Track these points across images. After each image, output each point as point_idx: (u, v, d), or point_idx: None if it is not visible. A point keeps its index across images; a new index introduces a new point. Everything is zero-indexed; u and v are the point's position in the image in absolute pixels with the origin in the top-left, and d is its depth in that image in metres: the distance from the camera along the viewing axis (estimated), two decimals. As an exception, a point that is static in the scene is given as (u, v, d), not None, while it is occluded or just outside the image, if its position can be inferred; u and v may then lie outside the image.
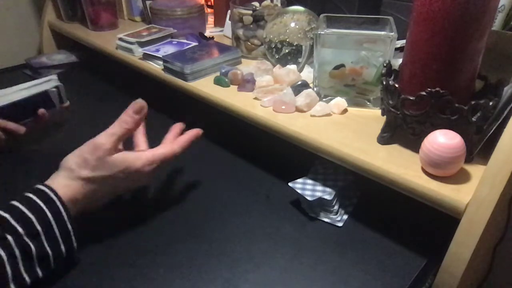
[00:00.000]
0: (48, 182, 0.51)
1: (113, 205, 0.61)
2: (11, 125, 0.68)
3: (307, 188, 0.59)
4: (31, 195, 0.48)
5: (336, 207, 0.59)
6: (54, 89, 0.70)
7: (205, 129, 0.77)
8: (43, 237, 0.46)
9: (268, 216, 0.60)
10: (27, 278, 0.45)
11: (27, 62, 1.08)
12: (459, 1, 0.43)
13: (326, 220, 0.59)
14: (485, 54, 0.48)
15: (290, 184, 0.60)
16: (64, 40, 1.15)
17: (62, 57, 1.10)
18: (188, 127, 0.84)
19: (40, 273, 0.46)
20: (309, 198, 0.57)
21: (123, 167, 0.53)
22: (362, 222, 0.59)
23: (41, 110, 0.70)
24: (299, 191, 0.59)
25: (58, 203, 0.48)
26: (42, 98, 0.70)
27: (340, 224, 0.58)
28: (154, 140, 0.81)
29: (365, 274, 0.51)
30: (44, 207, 0.47)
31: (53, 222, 0.47)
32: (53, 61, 1.08)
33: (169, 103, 0.91)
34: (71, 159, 0.52)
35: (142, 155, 0.55)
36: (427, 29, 0.46)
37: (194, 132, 0.62)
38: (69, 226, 0.48)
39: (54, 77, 0.73)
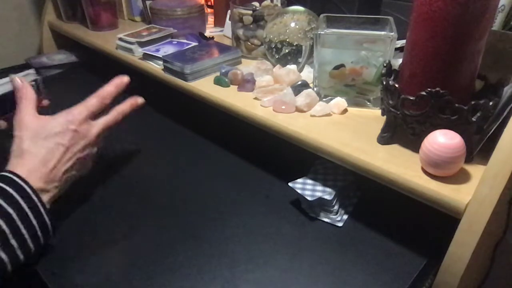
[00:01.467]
0: (7, 167, 0.52)
1: (113, 206, 0.61)
2: None
3: (307, 188, 0.59)
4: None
5: (336, 207, 0.59)
6: (33, 83, 0.71)
7: (205, 129, 0.77)
8: (16, 218, 0.47)
9: (268, 216, 0.60)
10: (5, 260, 0.46)
11: (27, 62, 1.08)
12: (459, 1, 0.43)
13: (326, 220, 0.59)
14: (485, 54, 0.48)
15: (290, 184, 0.60)
16: (64, 40, 1.15)
17: (62, 57, 1.11)
18: (188, 127, 0.84)
19: (21, 255, 0.47)
20: (309, 198, 0.57)
21: (52, 122, 0.56)
22: (362, 222, 0.59)
23: None
24: (299, 191, 0.59)
25: (22, 183, 0.50)
26: None
27: (340, 224, 0.58)
28: (154, 140, 0.81)
29: (365, 274, 0.51)
30: (12, 191, 0.48)
31: (22, 202, 0.48)
32: (53, 61, 1.08)
33: (169, 103, 0.91)
34: (12, 146, 0.55)
35: (66, 109, 0.58)
36: (427, 29, 0.46)
37: (118, 79, 0.63)
38: (36, 200, 0.50)
39: (32, 71, 0.73)
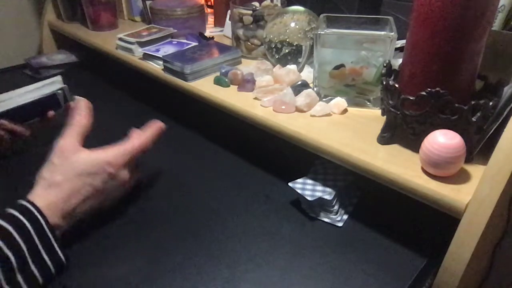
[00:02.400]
0: (28, 196, 0.50)
1: (112, 206, 0.61)
2: (17, 127, 0.68)
3: (307, 188, 0.59)
4: (13, 212, 0.47)
5: (336, 207, 0.59)
6: (60, 91, 0.71)
7: (205, 129, 0.77)
8: (25, 251, 0.45)
9: (268, 216, 0.60)
10: None
11: (27, 62, 1.08)
12: (459, 1, 0.43)
13: (326, 220, 0.59)
14: (485, 54, 0.48)
15: (290, 184, 0.60)
16: (64, 40, 1.15)
17: (62, 57, 1.11)
18: (188, 127, 0.84)
19: None
20: (309, 198, 0.57)
21: (92, 160, 0.53)
22: (362, 222, 0.59)
23: (51, 113, 0.70)
24: (299, 191, 0.59)
25: (37, 215, 0.47)
26: (49, 100, 0.70)
27: (340, 224, 0.58)
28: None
29: (365, 274, 0.51)
30: (27, 223, 0.46)
31: (35, 238, 0.46)
32: (53, 61, 1.08)
33: (169, 103, 0.91)
34: (43, 170, 0.53)
35: (108, 148, 0.56)
36: (427, 29, 0.46)
37: (157, 125, 0.62)
38: (51, 238, 0.48)
39: (59, 78, 0.74)
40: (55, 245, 0.48)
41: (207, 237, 0.56)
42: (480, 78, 0.51)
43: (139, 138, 0.59)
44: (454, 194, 0.46)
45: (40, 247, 0.47)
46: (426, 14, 0.46)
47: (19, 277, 0.45)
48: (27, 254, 0.45)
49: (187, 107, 0.86)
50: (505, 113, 0.48)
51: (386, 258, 0.53)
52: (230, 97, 0.68)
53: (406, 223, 0.58)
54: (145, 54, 0.85)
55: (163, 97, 0.91)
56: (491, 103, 0.47)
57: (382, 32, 0.62)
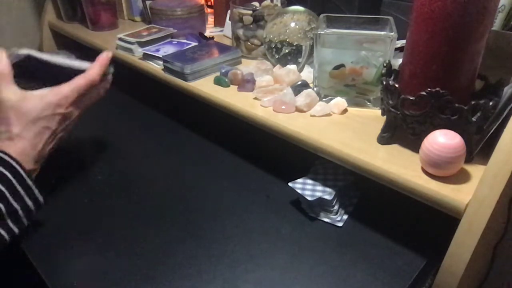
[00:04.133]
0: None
1: (113, 206, 0.61)
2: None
3: (307, 188, 0.59)
4: None
5: (336, 207, 0.59)
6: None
7: (205, 129, 0.77)
8: (8, 196, 0.50)
9: (268, 216, 0.60)
10: (5, 235, 0.49)
11: (27, 62, 1.08)
12: (459, 1, 0.43)
13: (326, 220, 0.59)
14: (485, 54, 0.48)
15: (290, 184, 0.60)
16: (64, 40, 1.15)
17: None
18: (188, 127, 0.84)
19: (15, 229, 0.50)
20: (309, 198, 0.57)
21: (43, 105, 0.56)
22: (362, 222, 0.59)
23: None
24: (299, 191, 0.59)
25: (14, 164, 0.51)
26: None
27: (340, 224, 0.58)
28: (154, 140, 0.81)
29: (365, 274, 0.51)
30: (4, 171, 0.50)
31: (14, 182, 0.51)
32: (53, 61, 1.08)
33: (169, 103, 0.91)
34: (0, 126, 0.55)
35: (56, 89, 0.58)
36: (427, 29, 0.46)
37: (102, 56, 0.64)
38: (29, 182, 0.52)
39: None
40: (33, 187, 0.53)
41: (207, 237, 0.56)
42: (480, 78, 0.51)
43: (85, 75, 0.60)
44: (454, 194, 0.46)
45: (21, 192, 0.51)
46: (426, 14, 0.45)
47: (9, 221, 0.50)
48: (11, 200, 0.50)
49: (187, 107, 0.86)
50: (505, 113, 0.48)
51: (386, 258, 0.53)
52: (230, 97, 0.68)
53: (406, 223, 0.58)
54: (145, 54, 0.84)
55: (163, 97, 0.91)
56: (491, 103, 0.47)
57: (382, 32, 0.62)
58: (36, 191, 0.53)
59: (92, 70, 0.61)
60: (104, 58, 0.63)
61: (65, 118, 0.58)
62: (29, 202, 0.52)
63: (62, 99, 0.57)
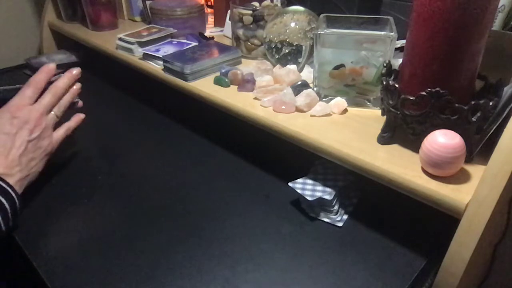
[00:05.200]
0: None
1: (113, 206, 0.61)
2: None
3: (307, 188, 0.59)
4: None
5: (336, 207, 0.59)
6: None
7: (205, 129, 0.77)
8: None
9: (268, 216, 0.60)
10: None
11: (27, 62, 1.08)
12: (459, 1, 0.43)
13: (326, 220, 0.59)
14: (485, 54, 0.48)
15: (290, 184, 0.60)
16: (64, 40, 1.15)
17: (62, 57, 1.11)
18: (187, 127, 0.84)
19: None
20: (309, 198, 0.57)
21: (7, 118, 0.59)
22: (362, 222, 0.59)
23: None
24: (299, 191, 0.59)
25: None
26: None
27: (340, 224, 0.58)
28: (154, 140, 0.81)
29: (365, 274, 0.51)
30: None
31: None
32: (53, 61, 1.08)
33: (169, 103, 0.91)
34: None
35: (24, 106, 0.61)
36: (427, 29, 0.46)
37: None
38: (4, 184, 0.54)
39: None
40: (3, 184, 0.54)
41: (207, 237, 0.56)
42: (480, 78, 0.51)
43: (28, 82, 0.64)
44: (454, 194, 0.46)
45: None
46: (426, 14, 0.45)
47: None
48: None
49: (187, 107, 0.86)
50: (505, 113, 0.48)
51: (386, 258, 0.53)
52: (230, 97, 0.68)
53: (406, 223, 0.58)
54: (145, 54, 0.84)
55: (163, 97, 0.91)
56: (491, 103, 0.47)
57: (382, 32, 0.62)
58: (11, 191, 0.54)
59: (35, 76, 0.64)
60: (46, 70, 0.65)
61: (20, 121, 0.60)
62: (5, 203, 0.53)
63: (9, 106, 0.61)
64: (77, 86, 0.69)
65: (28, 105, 0.62)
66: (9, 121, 0.59)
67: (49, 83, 0.65)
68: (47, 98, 0.64)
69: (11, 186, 0.55)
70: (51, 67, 0.66)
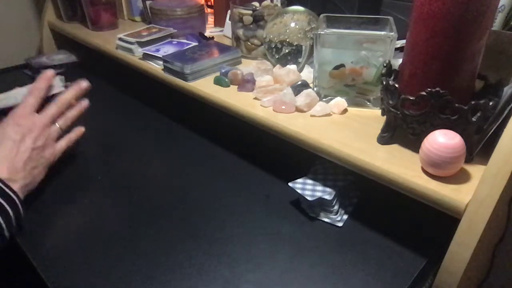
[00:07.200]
0: None
1: (113, 206, 0.61)
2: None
3: (307, 188, 0.59)
4: None
5: (336, 207, 0.59)
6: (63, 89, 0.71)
7: (205, 129, 0.77)
8: None
9: (268, 216, 0.60)
10: None
11: (27, 62, 1.08)
12: (459, 1, 0.43)
13: (326, 220, 0.59)
14: (485, 54, 0.48)
15: (290, 184, 0.60)
16: (64, 40, 1.15)
17: (62, 57, 1.10)
18: (188, 127, 0.84)
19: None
20: (309, 198, 0.57)
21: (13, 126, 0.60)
22: (362, 222, 0.59)
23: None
24: (299, 191, 0.59)
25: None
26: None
27: (340, 224, 0.58)
28: (154, 140, 0.81)
29: (365, 274, 0.51)
30: None
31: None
32: (53, 61, 1.08)
33: (169, 103, 0.91)
34: None
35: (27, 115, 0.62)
36: (427, 29, 0.46)
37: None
38: (5, 188, 0.54)
39: (61, 78, 0.74)
40: (7, 190, 0.54)
41: (207, 237, 0.56)
42: (480, 78, 0.51)
43: (29, 91, 0.65)
44: (454, 194, 0.46)
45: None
46: (426, 14, 0.45)
47: None
48: None
49: (187, 107, 0.86)
50: (505, 113, 0.48)
51: (386, 258, 0.53)
52: (230, 97, 0.68)
53: (406, 223, 0.58)
54: (145, 54, 0.84)
55: (163, 97, 0.91)
56: (491, 103, 0.47)
57: (382, 32, 0.62)
58: (11, 195, 0.54)
59: (35, 85, 0.65)
60: (45, 77, 0.66)
61: (24, 129, 0.60)
62: (6, 205, 0.53)
63: (14, 114, 0.61)
64: (85, 102, 0.69)
65: (31, 113, 0.62)
66: (14, 129, 0.60)
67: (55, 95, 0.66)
68: (52, 109, 0.64)
69: (14, 192, 0.55)
70: (49, 74, 0.67)
